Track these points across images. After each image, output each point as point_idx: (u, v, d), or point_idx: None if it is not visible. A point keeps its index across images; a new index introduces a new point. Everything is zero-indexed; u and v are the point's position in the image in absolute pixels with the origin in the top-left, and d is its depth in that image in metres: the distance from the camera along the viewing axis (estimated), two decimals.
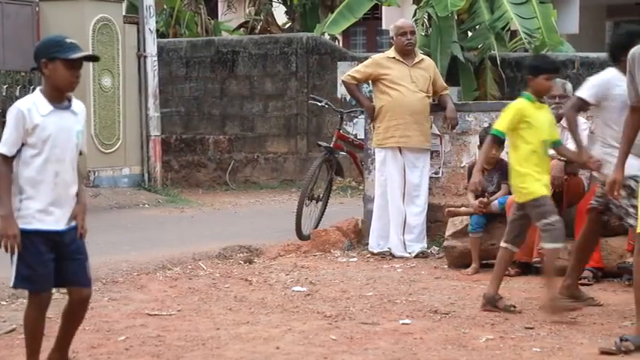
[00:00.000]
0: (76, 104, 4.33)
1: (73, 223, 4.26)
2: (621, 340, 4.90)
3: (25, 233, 4.15)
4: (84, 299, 4.36)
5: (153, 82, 12.76)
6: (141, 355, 4.93)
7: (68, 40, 4.25)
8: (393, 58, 8.14)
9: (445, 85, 8.38)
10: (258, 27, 17.67)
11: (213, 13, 19.62)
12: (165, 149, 13.45)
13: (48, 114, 4.18)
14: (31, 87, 11.94)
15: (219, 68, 14.17)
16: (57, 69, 4.18)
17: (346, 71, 13.18)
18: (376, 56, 8.38)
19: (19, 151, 4.17)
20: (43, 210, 4.18)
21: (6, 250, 4.14)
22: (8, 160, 4.17)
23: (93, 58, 4.40)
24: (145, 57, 12.63)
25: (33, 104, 4.18)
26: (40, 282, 4.24)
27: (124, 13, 12.93)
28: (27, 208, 4.17)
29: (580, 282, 6.74)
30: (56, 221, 4.21)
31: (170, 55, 14.21)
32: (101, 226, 9.81)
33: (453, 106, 8.27)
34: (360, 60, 13.28)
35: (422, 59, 8.22)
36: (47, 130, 4.16)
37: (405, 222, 8.01)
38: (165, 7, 17.00)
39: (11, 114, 4.16)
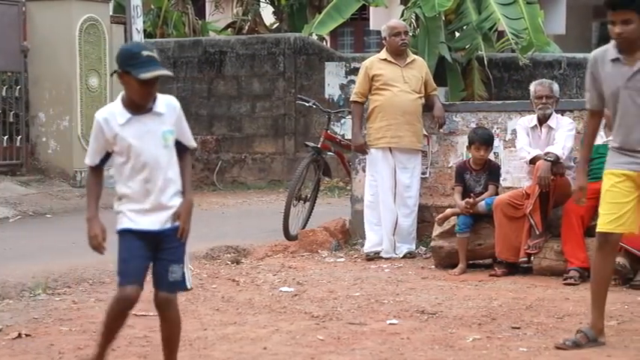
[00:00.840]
0: (162, 103, 4.22)
1: (177, 223, 4.21)
2: (577, 331, 5.05)
3: (121, 233, 4.18)
4: (165, 302, 4.23)
5: None
6: (128, 356, 4.92)
7: (145, 53, 4.13)
8: (385, 59, 8.12)
9: (435, 85, 8.39)
10: (246, 27, 17.65)
11: (200, 13, 19.60)
12: None
13: (125, 122, 4.13)
14: (17, 87, 11.94)
15: (206, 68, 14.15)
16: (130, 83, 4.10)
17: (333, 71, 13.45)
18: (365, 61, 8.32)
19: (106, 160, 4.20)
20: (137, 214, 4.16)
21: (95, 250, 4.19)
22: (94, 169, 4.24)
23: (167, 76, 4.24)
24: None
25: (110, 114, 4.16)
26: (127, 274, 4.17)
27: (111, 13, 12.90)
28: (122, 212, 4.18)
29: (566, 282, 6.78)
30: (150, 224, 4.16)
31: (157, 55, 14.14)
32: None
33: (441, 105, 8.28)
34: (348, 60, 13.38)
35: (414, 59, 8.21)
36: (127, 139, 4.12)
37: (396, 223, 8.01)
38: (152, 7, 16.95)
39: (93, 125, 4.19)
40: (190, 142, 4.35)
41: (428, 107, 8.20)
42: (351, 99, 8.42)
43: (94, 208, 4.21)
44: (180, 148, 4.29)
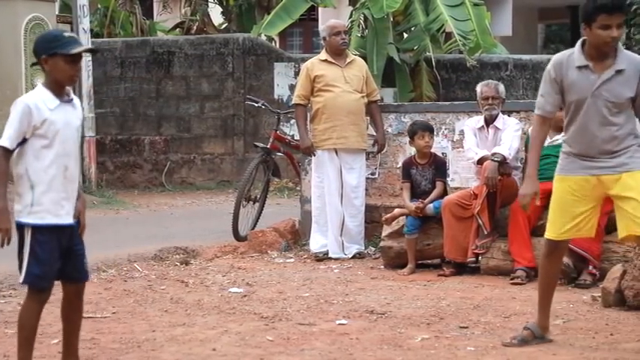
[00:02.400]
0: (75, 98, 4.34)
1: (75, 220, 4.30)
2: (524, 328, 5.09)
3: (39, 229, 4.16)
4: (81, 291, 4.40)
5: (87, 82, 12.60)
6: None
7: (67, 34, 4.25)
8: (325, 60, 8.10)
9: (376, 87, 8.35)
10: (194, 27, 17.57)
11: (148, 13, 19.46)
12: (100, 150, 13.29)
13: (55, 108, 4.19)
14: None
15: (154, 69, 14.06)
16: (57, 64, 4.15)
17: (282, 72, 13.44)
18: (306, 63, 8.28)
19: (22, 145, 4.15)
20: (56, 204, 4.19)
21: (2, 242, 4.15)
22: (8, 154, 4.17)
23: (92, 51, 4.37)
24: None
25: (40, 99, 4.18)
26: (47, 279, 4.23)
27: (57, 13, 12.75)
28: (40, 203, 4.16)
29: (513, 281, 6.86)
30: (67, 215, 4.23)
31: (105, 55, 14.04)
32: None
33: (383, 128, 8.23)
34: (297, 61, 13.39)
35: (353, 59, 8.23)
36: (56, 125, 4.17)
37: (343, 223, 8.02)
38: (99, 6, 16.81)
39: (17, 108, 4.15)
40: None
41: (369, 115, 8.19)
42: (293, 102, 8.37)
43: (5, 198, 4.12)
44: None
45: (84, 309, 5.92)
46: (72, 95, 4.31)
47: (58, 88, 4.22)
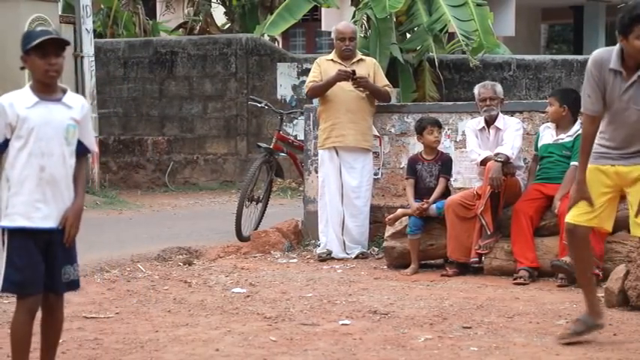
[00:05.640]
0: (72, 97, 4.16)
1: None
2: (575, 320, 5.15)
3: (13, 232, 3.99)
4: (54, 304, 4.14)
5: (90, 82, 12.60)
6: (78, 359, 4.87)
7: (39, 29, 4.14)
8: (332, 60, 8.17)
9: (387, 82, 8.32)
10: (197, 28, 17.58)
11: (151, 13, 19.48)
12: (103, 150, 13.30)
13: (32, 105, 4.04)
14: None
15: (157, 69, 14.07)
16: (33, 62, 4.06)
17: (285, 72, 13.45)
18: (317, 59, 8.40)
19: (5, 146, 4.04)
20: (29, 206, 3.99)
21: None
22: None
23: (60, 41, 4.09)
24: (82, 57, 12.47)
25: (16, 97, 4.07)
26: (29, 285, 4.00)
27: (60, 13, 12.76)
28: (13, 205, 4.00)
29: (515, 282, 6.85)
30: (44, 218, 4.01)
31: (107, 56, 14.06)
32: None
33: (375, 86, 8.06)
34: (300, 61, 13.41)
35: (361, 59, 8.23)
36: (31, 122, 4.01)
37: (343, 223, 8.03)
38: (102, 6, 16.81)
39: None
40: (92, 145, 4.25)
41: (380, 109, 8.25)
42: (306, 92, 8.29)
43: None
44: (80, 150, 4.18)
45: (87, 309, 5.95)
46: (65, 94, 4.13)
47: (39, 86, 4.08)
